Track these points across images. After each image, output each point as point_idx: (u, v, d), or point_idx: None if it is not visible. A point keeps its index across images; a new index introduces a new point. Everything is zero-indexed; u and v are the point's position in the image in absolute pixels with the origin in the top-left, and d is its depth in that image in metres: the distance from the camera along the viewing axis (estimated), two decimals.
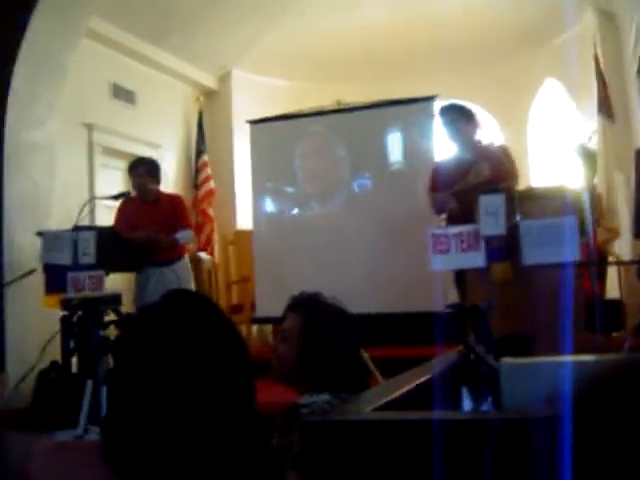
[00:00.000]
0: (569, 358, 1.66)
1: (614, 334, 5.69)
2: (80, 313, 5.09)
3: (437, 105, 7.17)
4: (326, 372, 2.21)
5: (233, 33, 8.66)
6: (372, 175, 7.66)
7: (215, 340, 1.27)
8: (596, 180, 6.23)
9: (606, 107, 7.09)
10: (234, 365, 1.27)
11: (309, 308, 2.32)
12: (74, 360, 5.45)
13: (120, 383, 1.25)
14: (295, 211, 7.92)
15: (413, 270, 6.67)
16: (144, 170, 6.26)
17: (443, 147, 6.64)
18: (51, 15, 5.93)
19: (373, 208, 7.48)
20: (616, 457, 1.12)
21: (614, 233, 6.45)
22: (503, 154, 5.60)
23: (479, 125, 5.81)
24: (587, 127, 7.75)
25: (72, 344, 5.28)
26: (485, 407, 1.86)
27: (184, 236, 6.32)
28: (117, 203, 6.31)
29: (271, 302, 7.26)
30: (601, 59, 7.34)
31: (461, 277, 5.34)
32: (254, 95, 9.37)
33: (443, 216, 5.77)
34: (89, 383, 4.42)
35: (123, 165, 7.71)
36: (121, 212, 6.31)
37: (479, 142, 5.80)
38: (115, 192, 6.20)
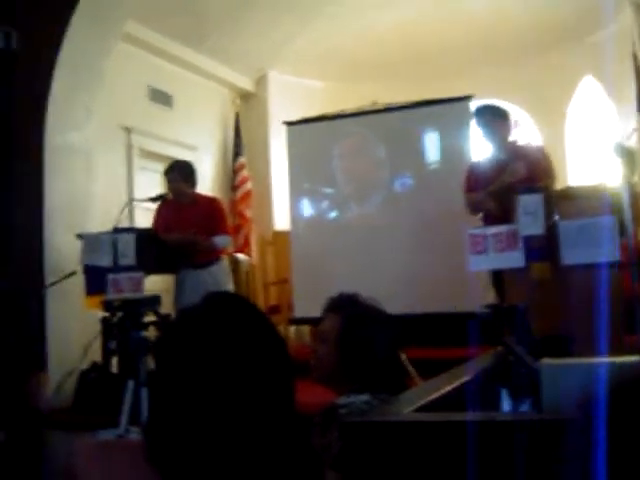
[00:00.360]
0: (609, 359, 1.65)
1: None
2: (120, 314, 5.14)
3: (473, 105, 7.16)
4: (365, 373, 2.21)
5: (268, 35, 8.69)
6: (409, 175, 7.65)
7: (255, 341, 1.28)
8: (636, 179, 6.16)
9: None
10: (275, 366, 1.28)
11: (347, 309, 2.32)
12: (114, 361, 5.51)
13: (162, 385, 1.27)
14: (333, 212, 7.93)
15: (450, 270, 6.66)
16: (177, 174, 6.27)
17: (480, 147, 6.61)
18: (89, 19, 5.99)
19: (410, 208, 7.47)
20: None
21: None
22: (540, 153, 5.58)
23: (514, 125, 5.78)
24: (626, 125, 7.67)
25: (112, 345, 5.34)
26: (524, 408, 1.86)
27: (222, 242, 6.31)
28: (155, 205, 6.34)
29: (309, 303, 7.28)
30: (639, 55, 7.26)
31: (498, 278, 5.31)
32: (290, 96, 9.39)
33: (480, 216, 5.75)
34: (130, 383, 4.47)
35: (161, 167, 7.74)
36: (158, 214, 6.35)
37: (515, 142, 5.77)
38: (153, 194, 6.24)
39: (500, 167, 5.51)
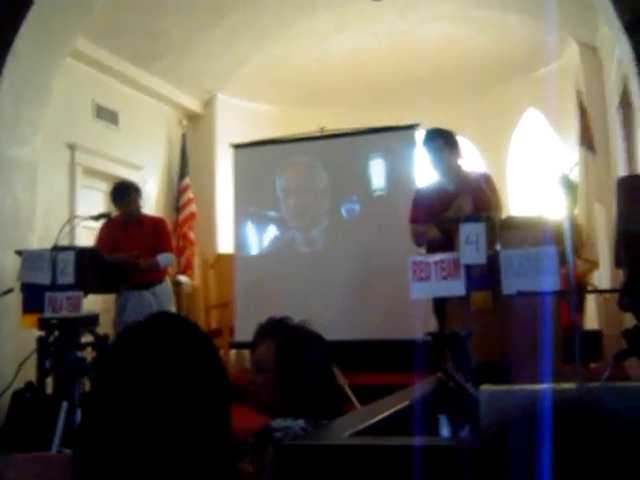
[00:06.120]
0: (547, 386, 1.66)
1: (592, 365, 5.69)
2: (57, 333, 5.04)
3: (419, 134, 7.19)
4: (304, 398, 2.18)
5: (218, 58, 8.69)
6: (355, 202, 7.66)
7: (195, 363, 1.26)
8: (576, 211, 6.25)
9: (587, 139, 7.14)
10: (212, 388, 1.26)
11: (281, 334, 2.29)
12: (49, 381, 5.39)
13: (98, 399, 1.24)
14: (277, 236, 7.90)
15: (394, 297, 6.67)
16: (135, 195, 6.23)
17: (425, 175, 6.61)
18: (36, 35, 5.92)
19: (355, 235, 7.48)
20: None
21: (593, 265, 6.47)
22: (485, 184, 5.40)
23: (461, 153, 5.68)
24: (568, 158, 7.82)
25: (48, 364, 5.23)
26: (463, 435, 1.86)
27: (165, 259, 6.27)
28: (97, 224, 6.25)
29: (250, 327, 7.12)
30: (583, 91, 7.41)
31: (440, 305, 5.29)
32: (238, 119, 9.39)
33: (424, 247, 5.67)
34: (64, 404, 4.37)
35: (104, 186, 7.67)
36: (103, 233, 6.26)
37: (460, 169, 5.61)
38: (95, 213, 6.15)
39: (446, 198, 5.38)
